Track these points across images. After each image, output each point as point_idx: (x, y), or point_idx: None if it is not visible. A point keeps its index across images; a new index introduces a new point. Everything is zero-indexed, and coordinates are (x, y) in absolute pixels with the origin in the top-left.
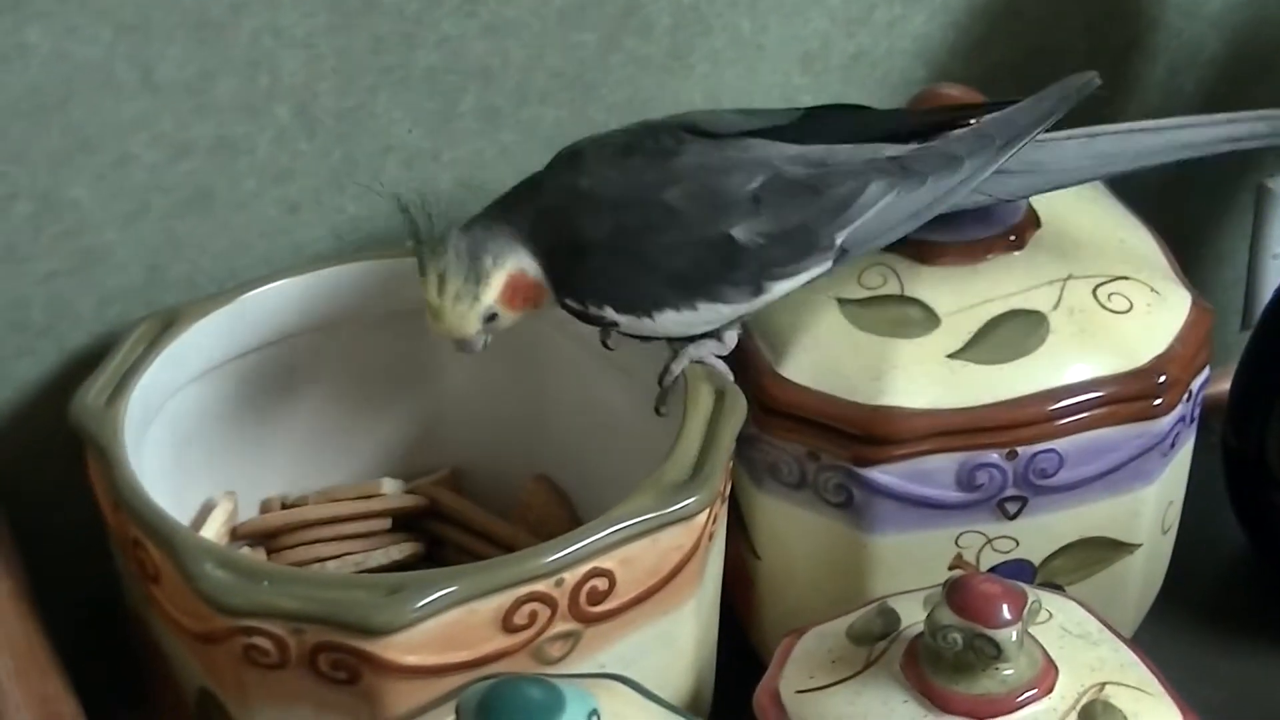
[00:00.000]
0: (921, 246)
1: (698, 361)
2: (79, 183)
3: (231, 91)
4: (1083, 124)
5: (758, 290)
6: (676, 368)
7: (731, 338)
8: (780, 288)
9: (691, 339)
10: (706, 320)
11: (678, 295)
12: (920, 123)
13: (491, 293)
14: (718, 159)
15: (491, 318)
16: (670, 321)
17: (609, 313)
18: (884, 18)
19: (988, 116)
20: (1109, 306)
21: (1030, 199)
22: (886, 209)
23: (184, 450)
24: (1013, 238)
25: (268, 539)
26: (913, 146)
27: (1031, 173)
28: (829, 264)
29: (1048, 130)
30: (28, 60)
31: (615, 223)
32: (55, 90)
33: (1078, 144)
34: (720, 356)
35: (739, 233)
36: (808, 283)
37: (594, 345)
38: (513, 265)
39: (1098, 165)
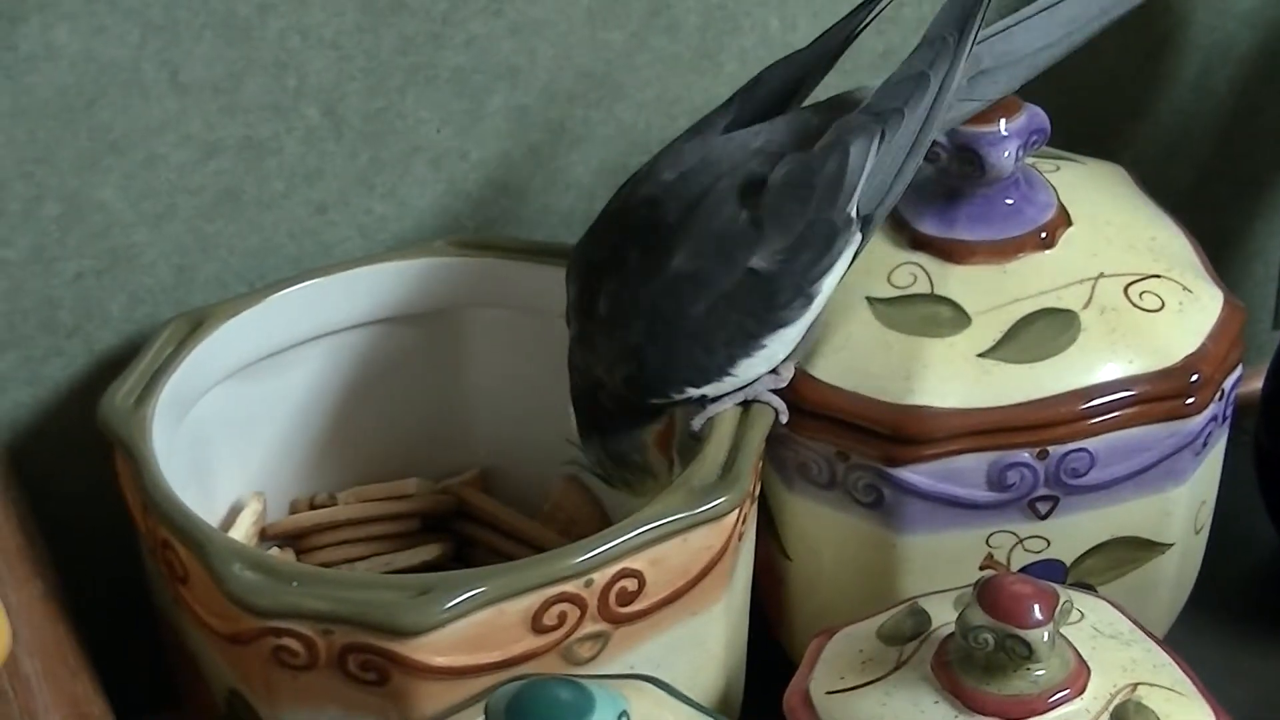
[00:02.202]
0: (951, 245)
1: (755, 400)
2: (107, 184)
3: (259, 92)
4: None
5: (807, 299)
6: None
7: (788, 370)
8: (826, 284)
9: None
10: (780, 351)
11: (741, 346)
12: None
13: (652, 455)
14: (694, 197)
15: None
16: (751, 368)
17: (691, 392)
18: (913, 15)
19: (934, 22)
20: (1140, 305)
21: (1058, 196)
22: (880, 160)
23: (213, 451)
24: (1043, 236)
25: (297, 540)
26: (871, 89)
27: (1010, 65)
28: (859, 236)
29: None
30: (56, 61)
31: (646, 325)
32: (83, 91)
33: (1042, 18)
34: (776, 390)
35: (758, 262)
36: (850, 264)
37: None
38: (650, 436)
39: (1067, 34)
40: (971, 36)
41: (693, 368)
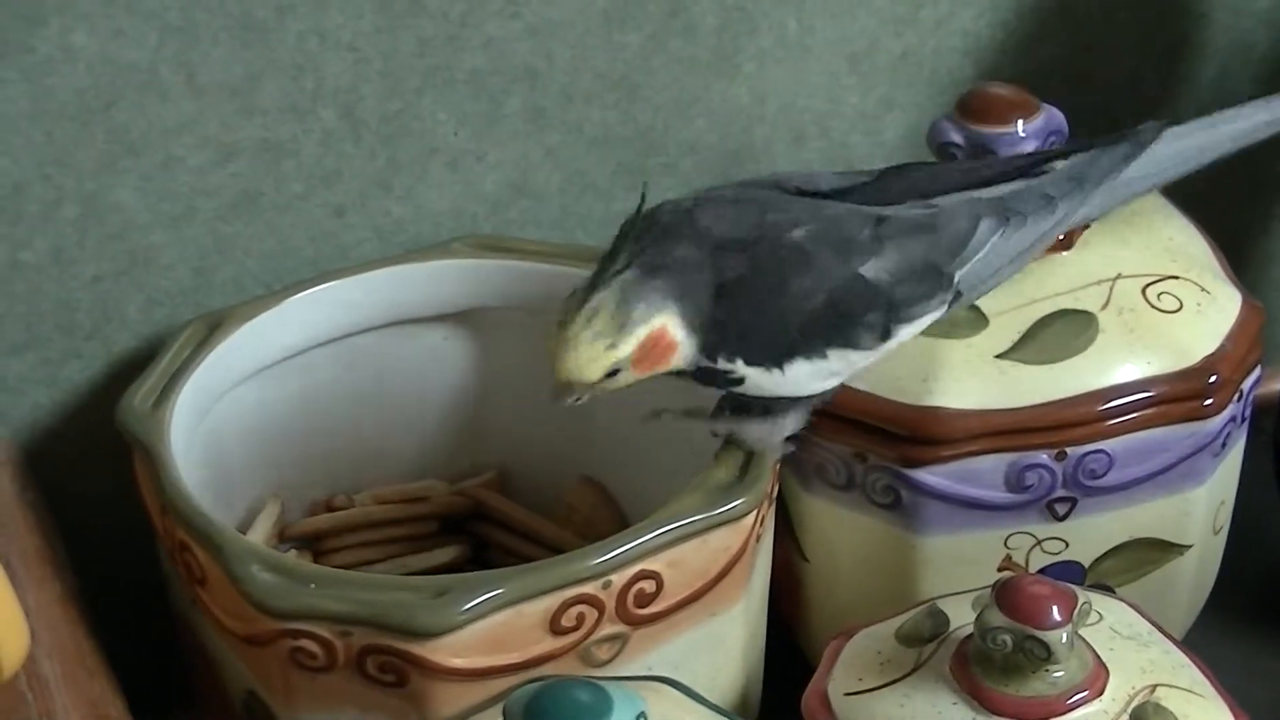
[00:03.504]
0: None
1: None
2: (125, 186)
3: (277, 94)
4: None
5: (885, 334)
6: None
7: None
8: (905, 331)
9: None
10: (833, 371)
11: (810, 342)
12: (994, 172)
13: (629, 346)
14: (830, 209)
15: (614, 373)
16: (800, 374)
17: (739, 367)
18: (931, 16)
19: (1071, 159)
20: (1158, 306)
21: None
22: (995, 249)
23: (231, 453)
24: (1061, 237)
25: (314, 541)
26: (1009, 187)
27: (1130, 187)
28: (945, 307)
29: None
30: (74, 64)
31: (750, 263)
32: (101, 93)
33: (1164, 148)
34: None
35: (869, 271)
36: (925, 329)
37: None
38: (659, 321)
39: (1192, 161)
40: (1101, 189)
41: (756, 342)
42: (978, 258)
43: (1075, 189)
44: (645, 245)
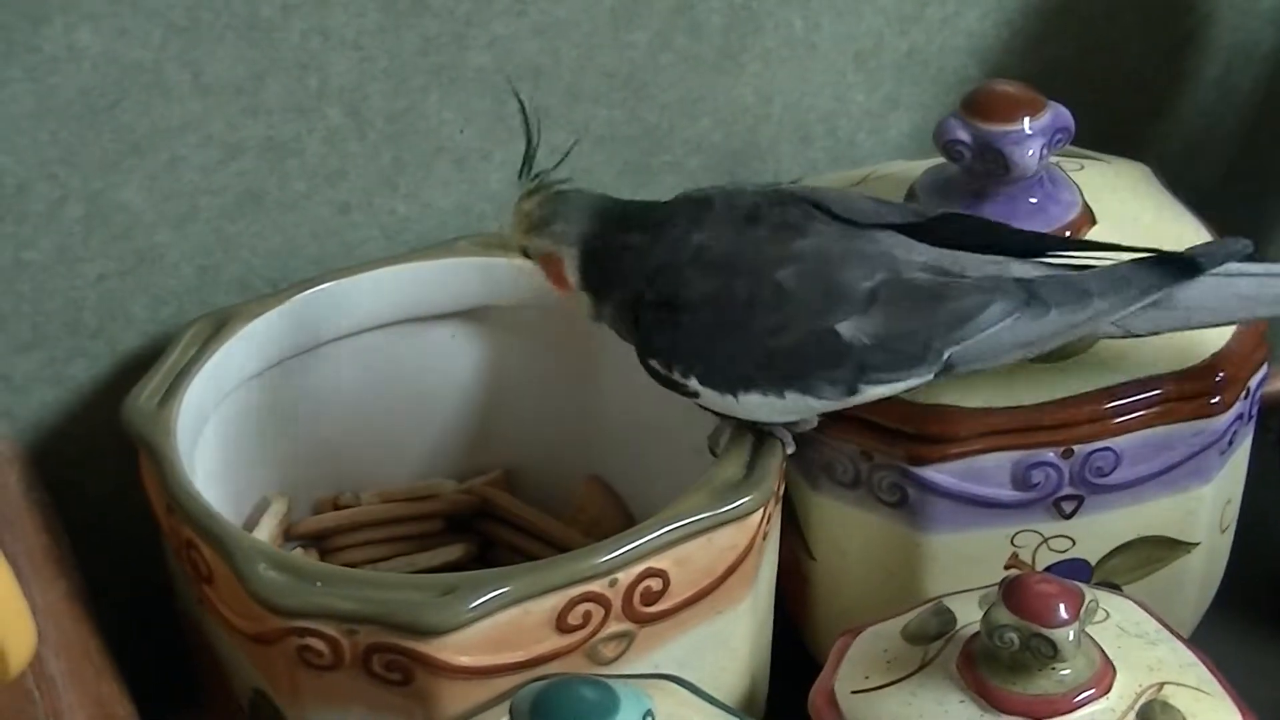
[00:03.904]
0: None
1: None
2: (130, 185)
3: (281, 93)
4: (1137, 125)
5: (851, 391)
6: (728, 424)
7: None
8: (875, 391)
9: None
10: (792, 410)
11: (768, 380)
12: (1055, 244)
13: (532, 246)
14: (841, 248)
15: (525, 254)
16: (754, 405)
17: (692, 383)
18: (937, 15)
19: (1130, 259)
20: None
21: (1083, 195)
22: (1003, 331)
23: (237, 451)
24: (1067, 235)
25: (321, 540)
26: (1044, 271)
27: (1166, 312)
28: (930, 376)
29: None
30: (79, 63)
31: (723, 287)
32: (106, 92)
33: (1214, 282)
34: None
35: (845, 329)
36: (904, 391)
37: None
38: (556, 251)
39: (1235, 308)
40: (1148, 301)
41: (712, 364)
42: (980, 337)
43: (1118, 290)
44: (625, 213)
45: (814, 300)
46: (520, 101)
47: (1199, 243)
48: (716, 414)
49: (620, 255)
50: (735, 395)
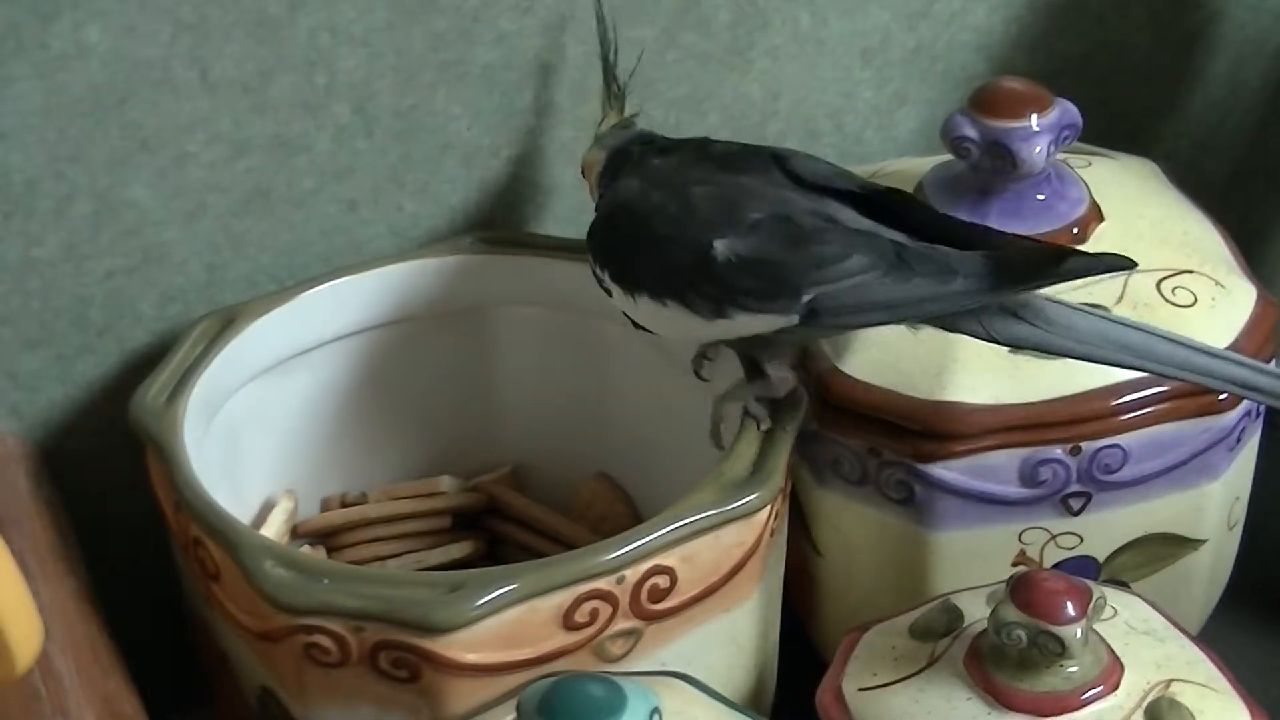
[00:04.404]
0: None
1: (746, 413)
2: (138, 182)
3: (289, 90)
4: (1145, 122)
5: (719, 311)
6: (716, 417)
7: (781, 381)
8: (744, 320)
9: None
10: (677, 324)
11: (655, 286)
12: (976, 237)
13: (585, 158)
14: (759, 188)
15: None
16: (648, 311)
17: (607, 280)
18: (944, 11)
19: (1012, 251)
20: (1173, 300)
21: (1090, 192)
22: (863, 286)
23: (244, 449)
24: (1075, 232)
25: (328, 537)
26: (922, 244)
27: (1038, 328)
28: (795, 319)
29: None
30: (87, 60)
31: (642, 195)
32: (114, 90)
33: (1091, 321)
34: (772, 399)
35: (720, 246)
36: (776, 332)
37: (654, 341)
38: (597, 158)
39: (1109, 350)
40: (1011, 294)
41: (620, 265)
42: (838, 285)
43: (982, 275)
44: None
45: (707, 218)
46: (601, 17)
47: (1204, 240)
48: (713, 406)
49: (619, 168)
50: (634, 297)
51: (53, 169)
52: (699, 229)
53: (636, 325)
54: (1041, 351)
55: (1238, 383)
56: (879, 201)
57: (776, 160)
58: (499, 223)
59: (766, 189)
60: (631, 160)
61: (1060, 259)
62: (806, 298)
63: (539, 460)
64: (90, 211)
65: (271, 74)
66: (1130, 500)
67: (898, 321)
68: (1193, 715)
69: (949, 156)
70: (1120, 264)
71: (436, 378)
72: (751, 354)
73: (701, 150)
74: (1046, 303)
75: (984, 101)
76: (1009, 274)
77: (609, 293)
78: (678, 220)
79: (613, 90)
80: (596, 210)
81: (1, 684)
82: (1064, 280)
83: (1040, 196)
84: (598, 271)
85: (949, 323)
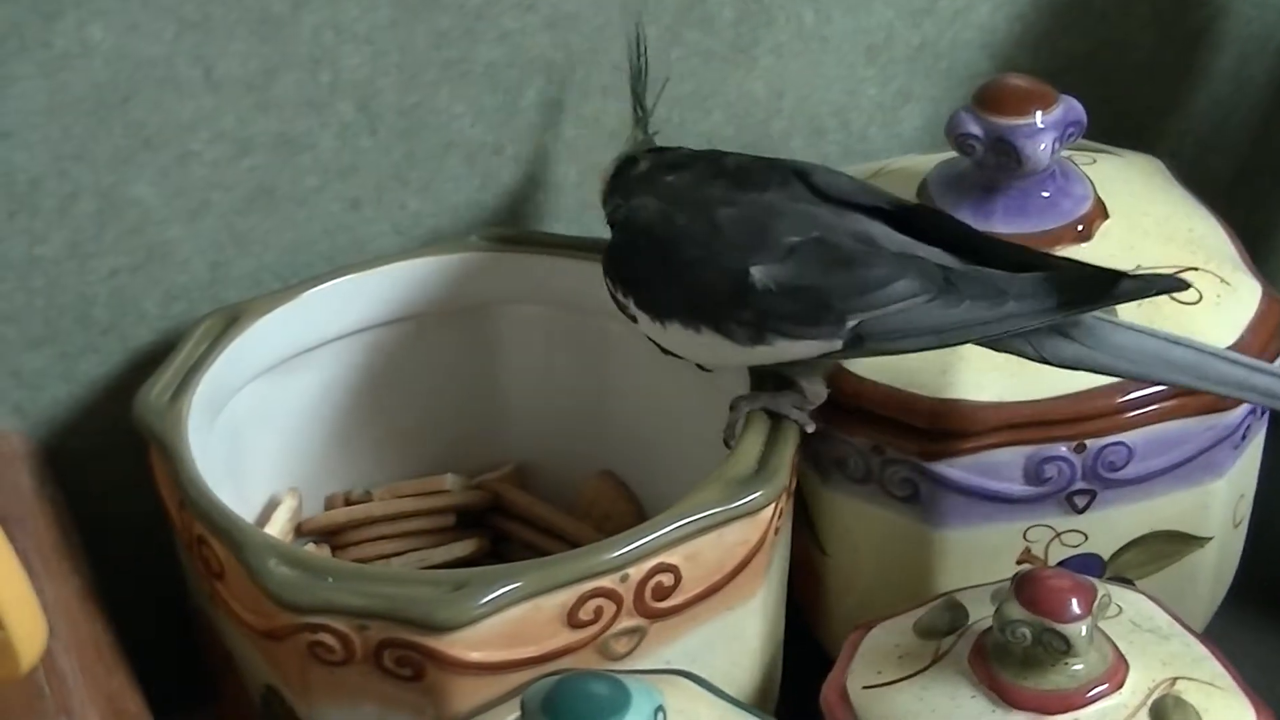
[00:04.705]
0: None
1: (776, 413)
2: (141, 180)
3: (293, 88)
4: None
5: (759, 338)
6: (735, 418)
7: (816, 392)
8: (784, 346)
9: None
10: (713, 351)
11: (688, 312)
12: (1016, 256)
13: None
14: (788, 207)
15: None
16: (679, 337)
17: (631, 306)
18: (949, 8)
19: (1066, 273)
20: (1178, 298)
21: (1095, 189)
22: (911, 311)
23: (248, 447)
24: (1080, 229)
25: (332, 535)
26: (969, 266)
27: (1087, 348)
28: (839, 344)
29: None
30: (90, 58)
31: (664, 217)
32: (117, 88)
33: (1150, 341)
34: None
35: (758, 273)
36: (819, 357)
37: None
38: (609, 167)
39: (1161, 369)
40: (1065, 318)
41: (646, 291)
42: (886, 310)
43: (1036, 296)
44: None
45: (739, 242)
46: (639, 38)
47: (1209, 237)
48: (730, 406)
49: (626, 179)
50: (663, 324)
51: (56, 167)
52: (732, 254)
53: (665, 351)
54: (1092, 371)
55: None
56: (908, 218)
57: (798, 175)
58: (502, 221)
59: (794, 207)
60: (639, 172)
61: (1114, 281)
62: (852, 323)
63: (543, 458)
64: (94, 210)
65: (275, 72)
66: (1135, 498)
67: (946, 345)
68: (1198, 713)
69: (953, 154)
70: (1174, 286)
71: (440, 376)
72: (782, 372)
73: (716, 165)
74: (1096, 321)
75: (988, 99)
76: (1063, 297)
77: (634, 319)
78: (707, 244)
79: (638, 115)
80: (611, 225)
81: (6, 682)
82: (1118, 302)
83: (1045, 194)
84: (620, 298)
85: (997, 344)
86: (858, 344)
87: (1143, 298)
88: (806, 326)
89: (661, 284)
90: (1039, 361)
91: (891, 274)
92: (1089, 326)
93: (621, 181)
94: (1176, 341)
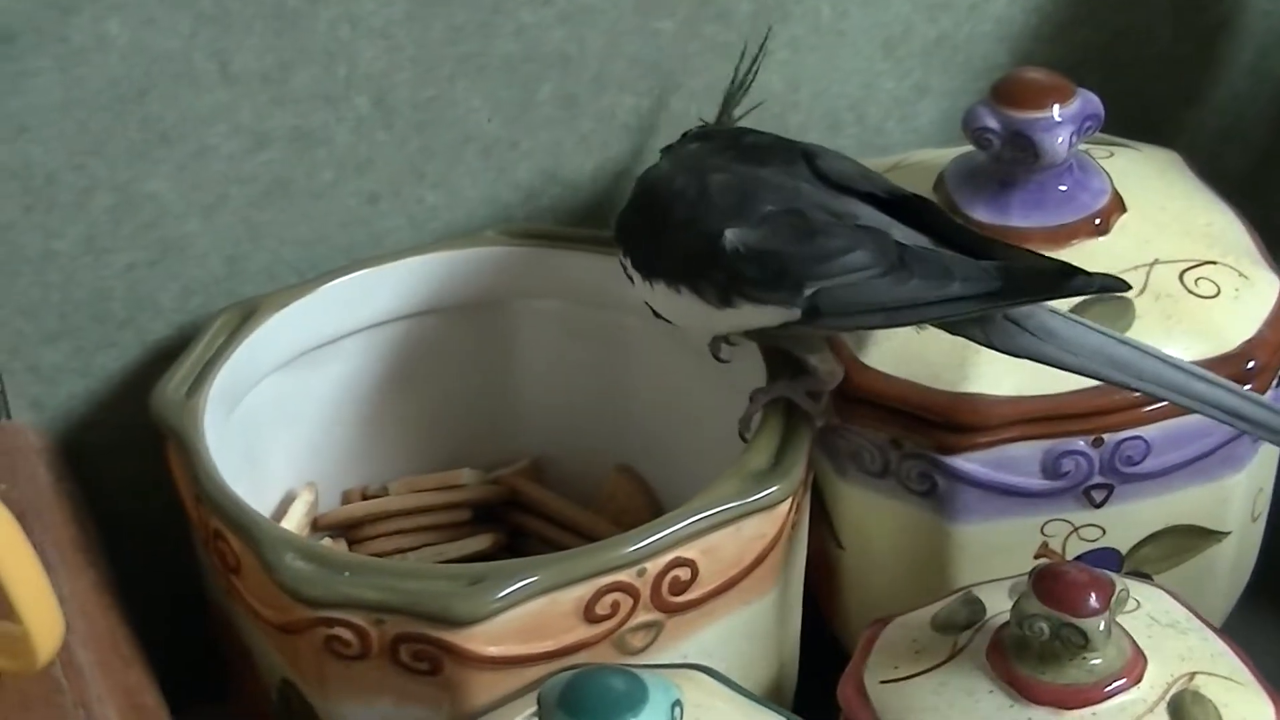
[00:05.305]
0: (1004, 232)
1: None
2: (158, 174)
3: (309, 82)
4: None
5: (726, 300)
6: (757, 406)
7: (829, 371)
8: (749, 311)
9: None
10: (689, 312)
11: (669, 271)
12: (988, 248)
13: None
14: (778, 180)
15: None
16: (663, 297)
17: (629, 266)
18: (965, 1)
19: (1017, 264)
20: (1196, 291)
21: (1112, 182)
22: (864, 285)
23: (264, 441)
24: (1097, 222)
25: (349, 530)
26: (926, 245)
27: (1037, 338)
28: (797, 313)
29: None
30: (107, 52)
31: (665, 180)
32: (134, 82)
33: (1096, 337)
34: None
35: (731, 235)
36: (781, 327)
37: (674, 333)
38: None
39: (1108, 368)
40: (1009, 306)
41: (640, 252)
42: (838, 280)
43: (980, 280)
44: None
45: (722, 206)
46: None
47: (1227, 231)
48: (750, 398)
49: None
50: (651, 283)
51: (73, 162)
52: (714, 217)
53: (656, 315)
54: (1037, 361)
55: (1228, 410)
56: (901, 206)
57: (805, 157)
58: (519, 215)
59: (784, 181)
60: (673, 146)
61: (1060, 276)
62: (808, 291)
63: (559, 452)
64: (110, 204)
65: (291, 66)
66: (1153, 492)
67: (896, 325)
68: (1216, 708)
69: (970, 148)
70: (1115, 285)
71: (457, 370)
72: (783, 348)
73: (734, 140)
74: (1051, 315)
75: (1005, 92)
76: (1008, 286)
77: (631, 279)
78: (694, 207)
79: (723, 120)
80: None
81: (23, 676)
82: (1061, 296)
83: (1062, 187)
84: (621, 257)
85: (950, 326)
86: (815, 315)
87: (1083, 294)
88: (768, 291)
89: (653, 244)
90: (988, 347)
91: (847, 245)
92: (1039, 318)
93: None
94: (1122, 341)
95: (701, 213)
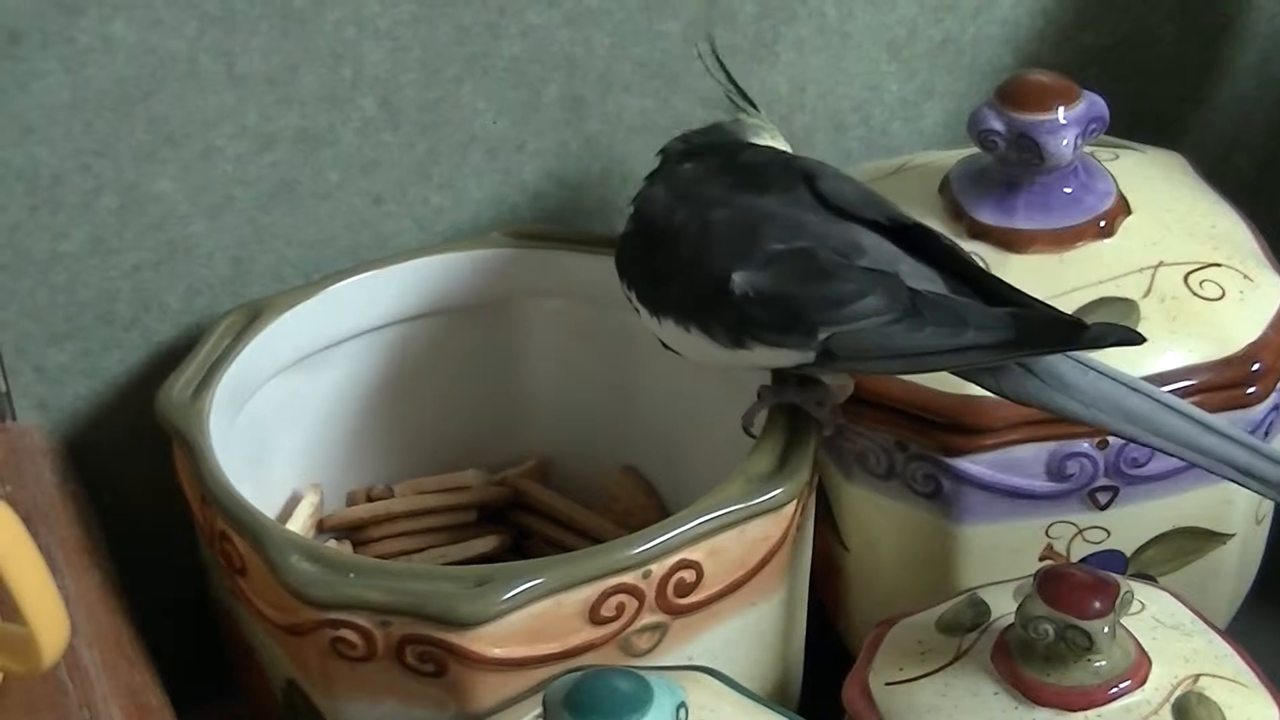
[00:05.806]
0: (1010, 234)
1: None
2: (164, 175)
3: (315, 83)
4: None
5: (738, 342)
6: (763, 405)
7: (840, 385)
8: (760, 352)
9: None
10: (700, 350)
11: (679, 310)
12: (995, 289)
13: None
14: (782, 212)
15: None
16: (673, 334)
17: (634, 300)
18: (971, 3)
19: (1030, 313)
20: (1201, 294)
21: (1117, 184)
22: (879, 331)
23: (270, 442)
24: (1102, 225)
25: (354, 531)
26: (940, 291)
27: (1053, 388)
28: (811, 356)
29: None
30: (113, 54)
31: (666, 214)
32: (140, 83)
33: (1107, 384)
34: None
35: (739, 279)
36: (793, 368)
37: None
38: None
39: (1119, 419)
40: (1023, 356)
41: (647, 287)
42: (853, 326)
43: (994, 328)
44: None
45: (726, 246)
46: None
47: (1231, 233)
48: (758, 395)
49: (664, 161)
50: (659, 320)
51: (79, 163)
52: (720, 258)
53: (665, 346)
54: (1049, 411)
55: (1239, 468)
56: (905, 235)
57: (805, 179)
58: (524, 216)
59: (790, 213)
60: (668, 157)
61: (1076, 329)
62: (822, 336)
63: (565, 454)
64: (116, 205)
65: (297, 67)
66: (1158, 494)
67: (911, 371)
68: (1221, 710)
69: (976, 150)
70: (1131, 339)
71: (462, 371)
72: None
73: (729, 159)
74: (1061, 360)
75: (1011, 94)
76: (1021, 336)
77: (637, 311)
78: (699, 246)
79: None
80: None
81: (29, 677)
82: (1076, 349)
83: (1067, 189)
84: (625, 290)
85: (962, 372)
86: (829, 358)
87: (1099, 347)
88: (781, 335)
89: (659, 281)
90: (997, 394)
91: (860, 289)
92: (1051, 364)
93: (661, 159)
94: (1134, 389)
95: (706, 252)
